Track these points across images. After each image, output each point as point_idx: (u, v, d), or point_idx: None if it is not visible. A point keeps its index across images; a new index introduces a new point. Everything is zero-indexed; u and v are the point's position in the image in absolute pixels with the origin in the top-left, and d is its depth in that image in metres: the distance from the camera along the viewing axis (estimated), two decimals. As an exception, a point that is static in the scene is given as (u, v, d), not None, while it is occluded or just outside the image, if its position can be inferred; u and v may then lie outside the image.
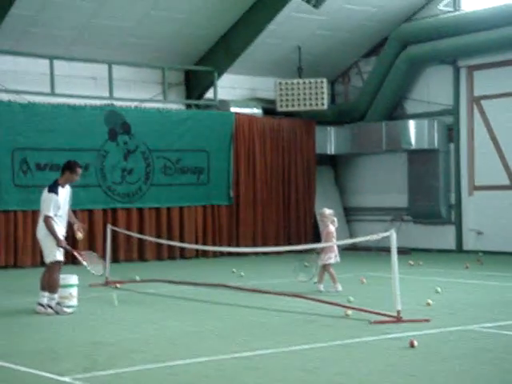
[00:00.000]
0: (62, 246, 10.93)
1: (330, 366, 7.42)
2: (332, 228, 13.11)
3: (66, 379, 6.98)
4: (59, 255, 10.93)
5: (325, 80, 20.94)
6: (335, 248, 12.95)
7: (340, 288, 12.80)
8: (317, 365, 7.47)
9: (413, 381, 6.82)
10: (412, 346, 8.14)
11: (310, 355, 7.94)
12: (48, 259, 10.92)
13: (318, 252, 13.07)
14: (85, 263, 11.30)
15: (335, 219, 13.26)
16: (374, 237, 10.06)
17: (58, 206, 10.91)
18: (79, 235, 11.24)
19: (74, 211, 11.73)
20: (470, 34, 19.63)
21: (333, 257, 12.90)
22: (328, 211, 13.31)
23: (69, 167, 11.16)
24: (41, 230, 11.00)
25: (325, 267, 12.93)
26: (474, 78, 20.72)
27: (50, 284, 10.91)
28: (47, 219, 10.84)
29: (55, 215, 10.88)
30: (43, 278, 11.07)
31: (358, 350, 8.24)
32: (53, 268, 10.91)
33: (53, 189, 10.95)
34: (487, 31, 19.33)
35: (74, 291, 11.20)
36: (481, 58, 20.19)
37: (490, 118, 20.36)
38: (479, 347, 8.24)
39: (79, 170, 11.26)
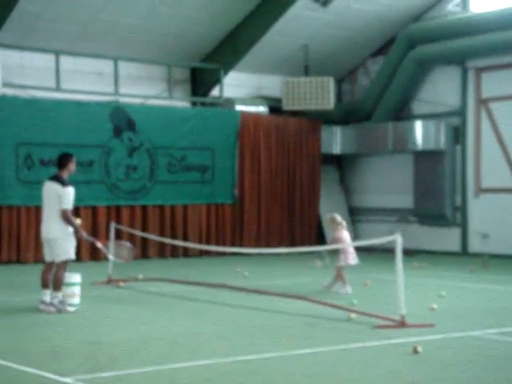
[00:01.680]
0: (84, 237, 11.24)
1: (333, 372, 7.35)
2: (341, 233, 13.10)
3: (68, 380, 6.93)
4: (74, 253, 10.92)
5: (331, 79, 20.87)
6: (348, 250, 12.91)
7: (350, 290, 12.86)
8: (319, 370, 7.40)
9: (417, 388, 6.76)
10: (415, 351, 8.07)
11: (313, 360, 7.86)
12: (62, 257, 10.85)
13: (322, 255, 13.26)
14: (106, 251, 12.14)
15: (343, 223, 13.23)
16: (380, 240, 9.99)
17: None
18: (78, 221, 11.36)
19: (77, 207, 11.72)
20: (479, 36, 19.55)
21: (342, 259, 12.89)
22: (334, 217, 13.31)
23: (69, 159, 11.16)
24: (55, 230, 10.89)
25: (337, 268, 13.02)
26: (481, 79, 20.63)
27: (56, 282, 10.86)
28: (67, 213, 10.83)
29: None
30: (45, 275, 11.01)
31: (361, 355, 8.17)
32: (62, 266, 10.88)
33: (67, 183, 10.96)
34: (496, 33, 19.25)
35: (77, 289, 11.14)
36: (489, 59, 20.12)
37: (497, 120, 20.28)
38: (483, 354, 8.17)
39: (75, 159, 11.33)
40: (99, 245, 11.99)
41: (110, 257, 12.41)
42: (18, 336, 9.14)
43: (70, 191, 10.90)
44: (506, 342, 8.91)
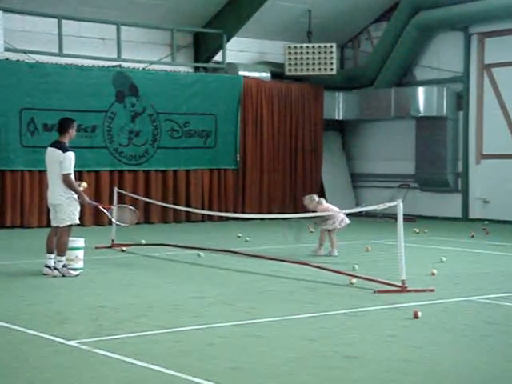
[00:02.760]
0: (87, 202, 11.27)
1: (333, 336, 7.46)
2: (322, 206, 13.38)
3: (73, 343, 7.03)
4: (77, 218, 11.01)
5: (334, 45, 20.81)
6: (336, 216, 13.11)
7: (336, 253, 13.11)
8: (320, 334, 7.51)
9: (416, 352, 6.85)
10: (416, 316, 8.17)
11: (314, 324, 7.97)
12: (66, 222, 10.92)
13: (316, 222, 13.40)
14: (110, 216, 12.10)
15: (317, 199, 13.50)
16: (381, 206, 10.07)
17: (73, 165, 11.00)
18: (84, 184, 11.40)
19: (80, 172, 11.76)
20: (483, 1, 19.44)
21: (330, 223, 13.15)
22: (311, 196, 13.62)
23: (69, 125, 11.18)
24: (59, 195, 10.94)
25: (328, 232, 13.26)
26: (485, 45, 20.57)
27: (60, 246, 10.94)
28: (68, 177, 10.87)
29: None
30: (50, 240, 11.11)
31: (362, 319, 8.28)
32: (66, 231, 10.96)
33: (68, 148, 10.99)
34: (500, -2, 19.15)
35: (81, 254, 11.26)
36: (492, 25, 20.03)
37: (500, 86, 20.25)
38: (483, 319, 8.27)
39: (76, 124, 11.37)
40: (102, 209, 12.11)
41: (114, 221, 12.47)
42: (23, 300, 9.25)
43: (70, 156, 10.92)
44: (506, 306, 9.00)
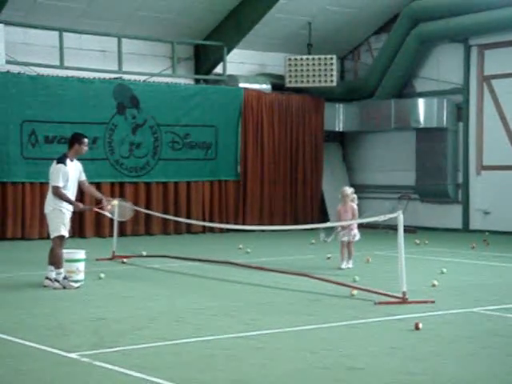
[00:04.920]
0: (80, 209, 11.31)
1: (335, 347, 7.45)
2: (355, 206, 13.32)
3: (73, 355, 7.02)
4: (64, 230, 10.97)
5: (334, 56, 20.86)
6: (352, 227, 13.07)
7: (351, 265, 13.11)
8: (322, 346, 7.50)
9: (417, 363, 6.84)
10: (417, 328, 8.16)
11: (315, 336, 7.97)
12: (54, 234, 10.94)
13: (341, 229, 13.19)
14: (109, 215, 12.14)
15: (355, 196, 13.41)
16: (382, 218, 10.07)
17: (67, 177, 10.92)
18: (109, 208, 11.44)
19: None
20: (482, 13, 19.50)
21: (357, 234, 13.15)
22: (350, 190, 13.45)
23: (77, 139, 11.18)
24: (48, 205, 11.01)
25: (349, 244, 13.16)
26: (484, 56, 20.61)
27: (52, 258, 10.94)
28: (57, 189, 10.84)
29: (64, 187, 10.89)
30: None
31: (363, 331, 8.27)
32: (56, 242, 10.94)
33: (61, 160, 10.99)
34: (499, 10, 19.20)
35: (81, 266, 11.26)
36: (492, 36, 20.06)
37: (499, 98, 20.28)
38: (484, 330, 8.26)
39: (86, 141, 11.28)
40: (98, 210, 11.98)
41: (109, 215, 12.49)
42: (23, 312, 9.24)
43: (59, 168, 10.87)
44: (507, 318, 8.99)
